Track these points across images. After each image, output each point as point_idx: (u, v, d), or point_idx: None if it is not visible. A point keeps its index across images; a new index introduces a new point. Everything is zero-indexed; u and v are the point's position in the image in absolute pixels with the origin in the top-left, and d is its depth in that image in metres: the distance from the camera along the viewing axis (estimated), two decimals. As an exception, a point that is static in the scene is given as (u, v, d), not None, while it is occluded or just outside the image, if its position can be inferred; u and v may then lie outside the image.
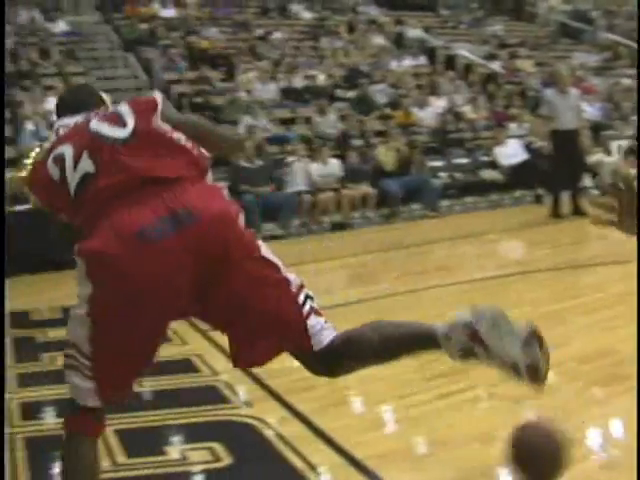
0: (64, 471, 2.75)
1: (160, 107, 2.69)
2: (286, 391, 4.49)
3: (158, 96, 2.79)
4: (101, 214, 2.46)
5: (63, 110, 3.05)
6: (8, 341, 6.02)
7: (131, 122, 2.61)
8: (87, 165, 2.55)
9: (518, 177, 12.20)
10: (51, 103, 13.18)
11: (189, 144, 2.67)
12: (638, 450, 4.10)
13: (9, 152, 12.31)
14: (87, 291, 2.62)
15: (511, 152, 12.38)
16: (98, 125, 2.63)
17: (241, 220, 2.73)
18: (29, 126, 12.36)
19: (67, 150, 2.60)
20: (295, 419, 4.16)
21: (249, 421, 4.19)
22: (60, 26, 18.57)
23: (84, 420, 2.75)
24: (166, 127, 2.65)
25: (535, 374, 2.55)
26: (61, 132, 2.75)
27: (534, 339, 2.54)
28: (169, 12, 20.69)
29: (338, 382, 4.61)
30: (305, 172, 11.04)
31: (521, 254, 9.41)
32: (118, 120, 2.64)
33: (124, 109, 2.70)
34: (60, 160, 2.60)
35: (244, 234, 2.74)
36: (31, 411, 4.63)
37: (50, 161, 2.63)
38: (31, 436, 4.26)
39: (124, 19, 19.78)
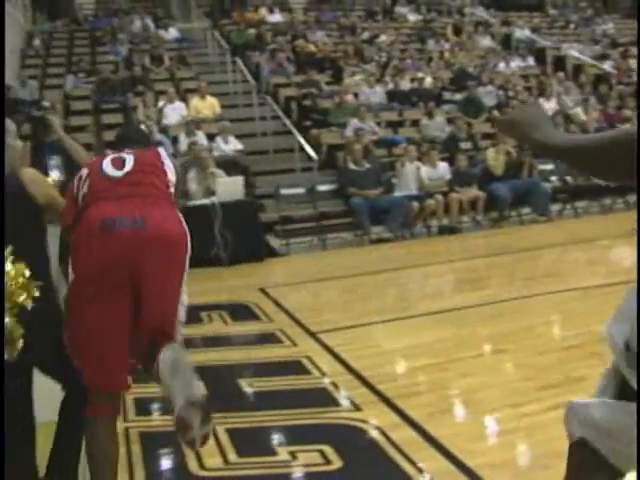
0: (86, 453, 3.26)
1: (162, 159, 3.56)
2: (395, 396, 4.45)
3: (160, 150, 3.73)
4: (85, 207, 3.18)
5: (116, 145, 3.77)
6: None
7: (129, 166, 3.34)
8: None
9: (632, 180, 11.78)
10: (163, 107, 13.55)
11: (167, 178, 3.47)
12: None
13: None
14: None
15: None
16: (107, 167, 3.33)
17: (186, 246, 3.37)
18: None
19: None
20: (405, 424, 4.11)
21: (359, 425, 4.17)
22: (171, 33, 19.06)
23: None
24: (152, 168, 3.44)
25: (185, 433, 2.89)
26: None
27: (198, 410, 2.89)
28: (276, 17, 20.99)
29: (447, 389, 4.61)
30: (414, 175, 10.96)
31: (634, 261, 9.08)
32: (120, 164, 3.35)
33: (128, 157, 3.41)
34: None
35: (180, 259, 3.32)
36: (144, 407, 4.73)
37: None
38: (144, 430, 4.37)
39: (232, 25, 20.14)
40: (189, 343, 6.08)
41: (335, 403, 4.53)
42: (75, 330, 3.16)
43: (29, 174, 3.31)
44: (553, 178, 11.95)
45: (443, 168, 11.25)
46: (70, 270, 3.18)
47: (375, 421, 4.18)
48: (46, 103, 6.98)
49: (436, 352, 5.23)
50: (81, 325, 3.11)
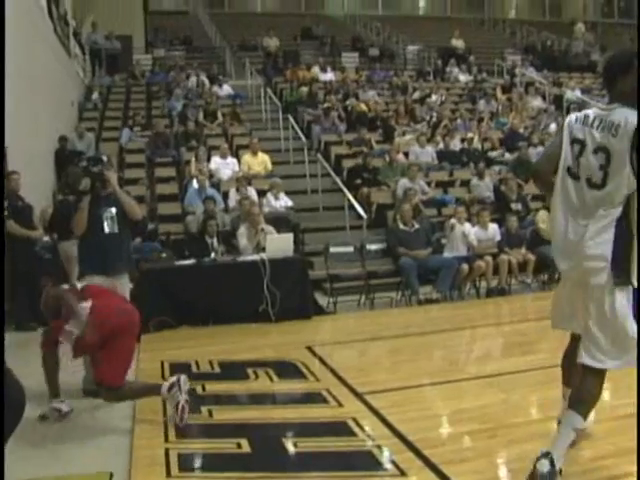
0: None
1: None
2: (441, 462, 4.35)
3: None
4: None
5: None
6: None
7: None
8: None
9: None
10: (215, 163, 13.74)
11: None
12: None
13: (175, 208, 12.90)
14: None
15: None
16: None
17: None
18: (194, 184, 12.85)
19: None
20: (452, 492, 4.04)
21: (405, 491, 4.10)
22: (225, 89, 19.42)
23: None
24: None
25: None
26: None
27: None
28: (328, 75, 21.30)
29: (496, 456, 4.51)
30: (464, 236, 10.92)
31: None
32: None
33: None
34: None
35: None
36: (188, 462, 4.71)
37: None
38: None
39: (285, 82, 20.47)
40: (235, 399, 6.11)
41: (380, 467, 4.44)
42: None
43: None
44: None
45: (493, 229, 11.20)
46: None
47: (421, 488, 4.10)
48: (104, 157, 7.10)
49: (484, 417, 5.14)
50: None
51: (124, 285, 6.58)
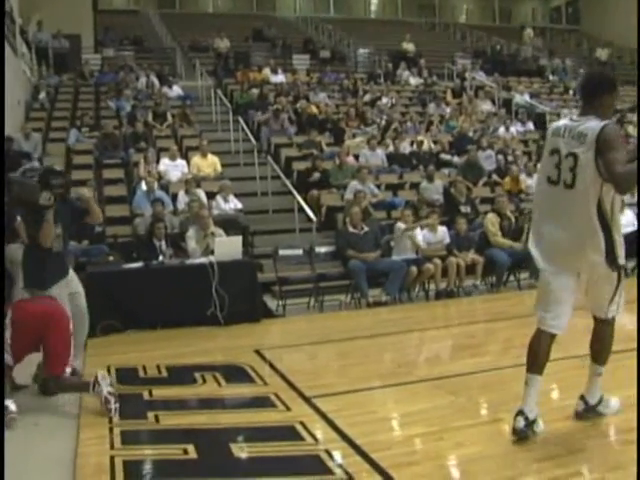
0: None
1: None
2: (389, 466, 4.33)
3: None
4: None
5: None
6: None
7: None
8: None
9: (630, 247, 11.72)
10: (164, 165, 13.63)
11: None
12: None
13: (123, 210, 12.75)
14: None
15: (624, 222, 11.98)
16: None
17: None
18: (142, 187, 12.72)
19: None
20: (399, 496, 4.03)
21: (352, 496, 4.08)
22: (175, 90, 19.28)
23: None
24: None
25: None
26: None
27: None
28: (279, 77, 21.30)
29: (443, 459, 4.52)
30: (412, 239, 10.96)
31: (634, 329, 9.00)
32: None
33: None
34: None
35: None
36: (134, 470, 4.62)
37: None
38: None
39: (236, 84, 20.40)
40: (182, 404, 6.04)
41: (328, 471, 4.40)
42: None
43: None
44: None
45: (442, 232, 11.27)
46: None
47: (369, 492, 4.09)
48: (58, 168, 7.02)
49: (432, 420, 5.14)
50: None
51: (61, 292, 6.55)
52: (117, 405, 5.64)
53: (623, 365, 5.31)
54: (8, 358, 5.77)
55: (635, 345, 5.66)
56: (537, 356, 4.73)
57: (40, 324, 5.83)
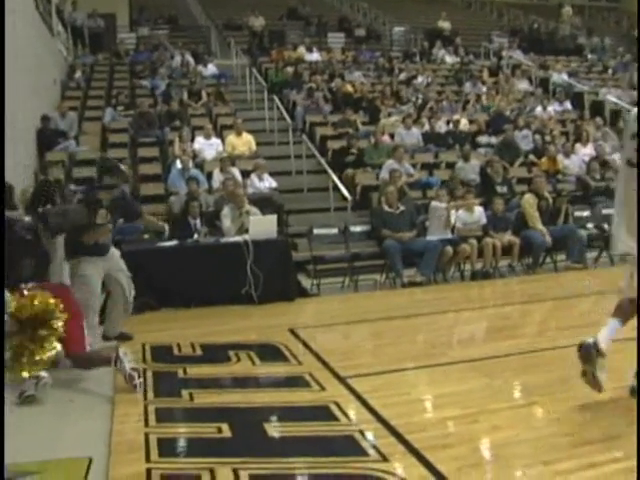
0: None
1: None
2: (423, 447, 4.31)
3: None
4: None
5: None
6: (150, 375, 6.17)
7: None
8: None
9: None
10: (199, 143, 13.63)
11: None
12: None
13: (158, 189, 12.79)
14: None
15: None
16: None
17: None
18: (177, 165, 12.73)
19: None
20: (433, 478, 3.96)
21: (385, 476, 4.02)
22: (210, 69, 19.24)
23: None
24: None
25: None
26: None
27: None
28: (314, 56, 21.16)
29: (478, 442, 4.47)
30: (448, 219, 10.86)
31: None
32: None
33: None
34: None
35: None
36: (168, 447, 4.64)
37: None
38: (167, 473, 4.24)
39: (270, 63, 20.32)
40: (216, 382, 6.05)
41: (362, 452, 4.38)
42: None
43: None
44: (589, 225, 11.79)
45: (478, 212, 11.14)
46: None
47: (402, 473, 4.05)
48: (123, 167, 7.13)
49: (467, 402, 5.10)
50: None
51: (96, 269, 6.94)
52: (141, 380, 5.76)
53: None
54: None
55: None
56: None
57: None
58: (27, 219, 9.74)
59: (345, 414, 5.05)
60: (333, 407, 5.17)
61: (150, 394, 5.68)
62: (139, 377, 5.75)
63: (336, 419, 4.99)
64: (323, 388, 5.65)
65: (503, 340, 7.13)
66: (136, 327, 7.62)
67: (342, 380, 5.80)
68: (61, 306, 5.74)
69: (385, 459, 4.24)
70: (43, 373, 5.62)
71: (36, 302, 5.34)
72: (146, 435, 4.75)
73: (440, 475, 3.97)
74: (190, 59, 19.76)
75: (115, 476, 4.16)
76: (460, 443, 4.43)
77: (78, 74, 18.17)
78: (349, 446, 4.50)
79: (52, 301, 5.37)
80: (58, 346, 5.51)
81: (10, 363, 3.09)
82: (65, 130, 14.39)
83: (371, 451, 4.36)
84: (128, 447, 4.57)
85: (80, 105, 16.61)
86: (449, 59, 22.72)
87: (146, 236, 10.44)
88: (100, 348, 6.45)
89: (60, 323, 4.89)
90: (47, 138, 13.88)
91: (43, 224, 6.47)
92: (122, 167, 6.83)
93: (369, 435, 4.61)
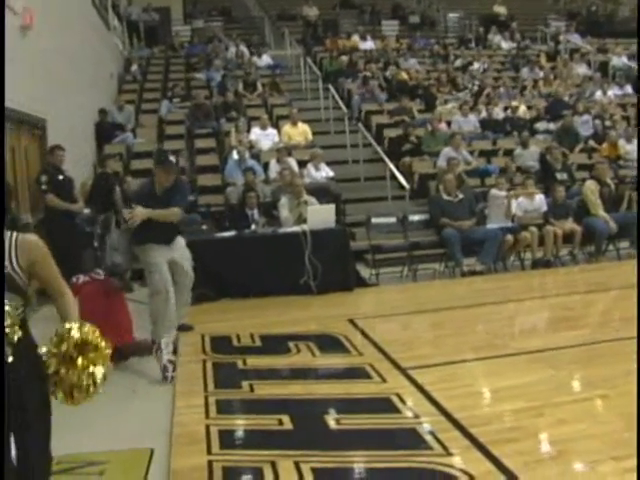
0: None
1: None
2: (488, 442, 4.22)
3: None
4: None
5: None
6: (210, 366, 6.18)
7: None
8: None
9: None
10: (255, 134, 13.64)
11: None
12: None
13: (215, 180, 12.84)
14: None
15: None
16: None
17: None
18: (234, 156, 12.76)
19: None
20: (498, 473, 3.87)
21: (449, 471, 3.96)
22: (265, 60, 19.26)
23: None
24: None
25: None
26: None
27: None
28: (368, 44, 21.05)
29: (545, 436, 4.37)
30: (508, 207, 10.67)
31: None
32: None
33: None
34: None
35: None
36: (229, 439, 4.64)
37: None
38: (228, 465, 4.23)
39: (325, 52, 20.26)
40: (276, 373, 6.03)
41: (425, 446, 4.31)
42: None
43: None
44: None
45: (539, 199, 10.93)
46: None
47: (467, 468, 3.95)
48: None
49: (532, 395, 4.99)
50: None
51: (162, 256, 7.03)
52: (174, 374, 5.87)
53: None
54: None
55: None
56: None
57: (103, 301, 6.36)
58: (87, 211, 9.91)
59: (407, 406, 4.99)
60: (395, 399, 5.11)
61: (210, 385, 5.70)
62: (173, 370, 5.88)
63: (398, 411, 4.93)
64: (384, 380, 5.59)
65: (566, 331, 6.99)
66: (195, 318, 7.65)
67: (403, 371, 5.74)
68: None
69: (449, 453, 4.17)
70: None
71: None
72: (207, 427, 4.76)
73: (507, 470, 3.89)
74: (244, 50, 19.81)
75: (176, 468, 4.17)
76: (526, 437, 4.33)
77: (134, 67, 18.35)
78: (412, 439, 4.44)
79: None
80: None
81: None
82: (122, 123, 14.55)
83: (435, 445, 4.29)
84: (189, 439, 4.58)
85: (137, 98, 16.77)
86: (505, 45, 22.39)
87: (204, 227, 10.49)
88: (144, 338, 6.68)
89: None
90: (105, 131, 14.05)
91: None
92: (171, 158, 6.78)
93: (432, 428, 4.53)
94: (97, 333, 2.99)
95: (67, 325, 2.99)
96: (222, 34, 21.78)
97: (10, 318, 2.83)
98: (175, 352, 6.15)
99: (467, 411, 4.75)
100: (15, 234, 2.99)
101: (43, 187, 9.13)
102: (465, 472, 3.92)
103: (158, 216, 6.73)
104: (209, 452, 4.38)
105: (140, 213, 6.65)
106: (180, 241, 7.17)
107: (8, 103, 8.25)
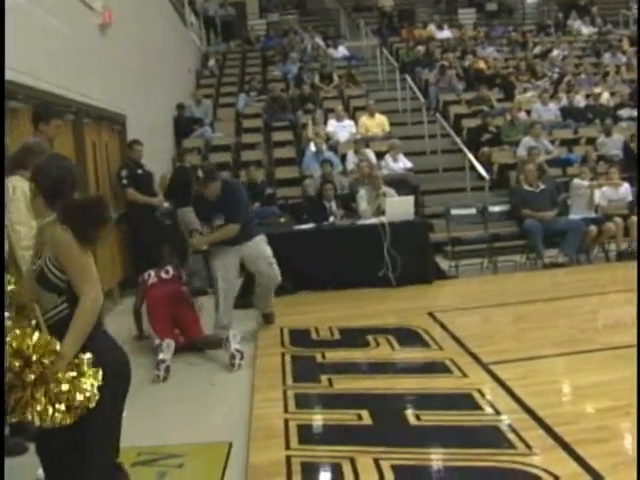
0: None
1: None
2: (575, 441, 4.08)
3: None
4: None
5: None
6: (288, 359, 6.18)
7: None
8: None
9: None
10: (332, 126, 13.61)
11: None
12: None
13: (292, 172, 12.87)
14: None
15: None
16: None
17: None
18: (311, 148, 12.76)
19: None
20: (586, 475, 3.73)
21: (534, 471, 3.84)
22: (340, 51, 19.23)
23: None
24: None
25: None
26: None
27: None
28: (445, 33, 20.84)
29: (634, 436, 4.20)
30: (591, 197, 10.40)
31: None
32: None
33: None
34: None
35: None
36: (308, 434, 4.63)
37: None
38: (307, 461, 4.20)
39: (401, 42, 20.12)
40: (355, 367, 5.99)
41: (509, 444, 4.20)
42: None
43: None
44: None
45: (624, 189, 10.62)
46: None
47: (553, 469, 3.83)
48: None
49: (619, 393, 4.82)
50: None
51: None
52: (242, 362, 6.08)
53: None
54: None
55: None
56: None
57: (171, 303, 6.76)
58: (166, 205, 10.03)
59: (489, 403, 4.89)
60: (476, 395, 5.03)
61: (289, 379, 5.69)
62: (240, 358, 6.09)
63: (480, 408, 4.84)
64: (465, 375, 5.50)
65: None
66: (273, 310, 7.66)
67: (484, 366, 5.64)
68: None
69: (534, 453, 4.06)
70: (163, 356, 5.97)
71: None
72: (285, 421, 4.75)
73: (594, 472, 3.76)
74: (320, 42, 19.81)
75: (255, 462, 4.17)
76: (614, 437, 4.20)
77: (212, 62, 18.53)
78: (495, 437, 4.35)
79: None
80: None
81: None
82: (200, 117, 14.69)
83: (519, 444, 4.18)
84: (268, 433, 4.58)
85: (214, 92, 16.92)
86: (586, 30, 21.86)
87: (282, 219, 10.52)
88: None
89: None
90: (183, 126, 14.22)
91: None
92: (199, 173, 6.86)
93: (516, 426, 4.42)
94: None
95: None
96: (297, 27, 21.82)
97: (34, 319, 2.74)
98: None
99: (552, 409, 4.63)
100: (52, 227, 2.86)
101: (124, 181, 9.30)
102: (550, 473, 3.80)
103: (217, 239, 6.92)
104: (287, 447, 4.37)
105: (200, 241, 7.09)
106: (256, 239, 7.13)
107: (88, 100, 8.42)
